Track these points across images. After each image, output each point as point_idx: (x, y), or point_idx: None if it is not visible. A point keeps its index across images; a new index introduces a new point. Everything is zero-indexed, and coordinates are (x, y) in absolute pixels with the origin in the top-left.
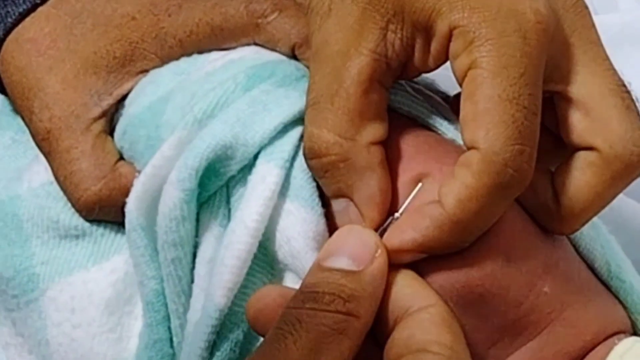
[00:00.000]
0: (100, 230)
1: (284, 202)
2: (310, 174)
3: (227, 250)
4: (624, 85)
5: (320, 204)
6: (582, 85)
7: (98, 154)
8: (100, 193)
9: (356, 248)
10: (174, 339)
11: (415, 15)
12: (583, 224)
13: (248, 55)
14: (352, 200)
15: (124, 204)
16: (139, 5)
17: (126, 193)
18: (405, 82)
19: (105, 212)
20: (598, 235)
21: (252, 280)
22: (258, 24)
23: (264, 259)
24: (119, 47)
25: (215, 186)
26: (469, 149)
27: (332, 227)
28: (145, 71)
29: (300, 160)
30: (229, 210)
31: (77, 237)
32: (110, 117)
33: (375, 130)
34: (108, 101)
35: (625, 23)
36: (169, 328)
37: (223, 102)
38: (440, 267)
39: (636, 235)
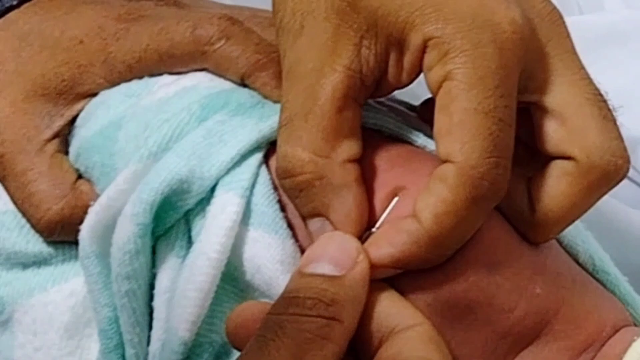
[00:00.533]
0: (60, 256)
1: (247, 230)
2: (271, 198)
3: (188, 282)
4: (601, 95)
5: (284, 226)
6: (558, 95)
7: (56, 173)
8: (62, 212)
9: (337, 254)
10: None
11: (389, 29)
12: (558, 233)
13: (202, 83)
14: (328, 219)
15: None
16: (87, 29)
17: (88, 211)
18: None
19: (67, 231)
20: (578, 231)
21: (220, 310)
22: (205, 51)
23: (233, 290)
24: (67, 70)
25: (173, 219)
26: (444, 161)
27: (303, 248)
28: (94, 94)
29: (260, 186)
30: (188, 242)
31: (39, 263)
32: (64, 138)
33: (350, 148)
34: (59, 122)
35: (611, 23)
36: (123, 356)
37: (178, 134)
38: (423, 283)
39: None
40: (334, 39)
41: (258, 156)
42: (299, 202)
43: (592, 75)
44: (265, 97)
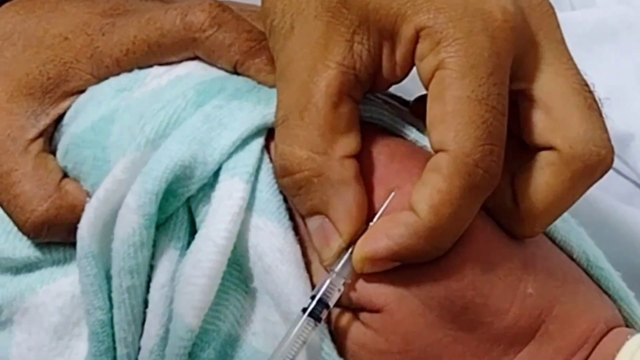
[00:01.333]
0: (49, 259)
1: (251, 217)
2: (275, 186)
3: (194, 268)
4: (587, 85)
5: (287, 216)
6: (545, 84)
7: (40, 174)
8: (48, 213)
9: None
10: None
11: (381, 23)
12: (544, 227)
13: (195, 71)
14: (327, 216)
15: (72, 223)
16: (71, 26)
17: (74, 211)
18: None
19: (53, 232)
20: (570, 227)
21: (225, 297)
22: (196, 38)
23: (239, 276)
24: (53, 67)
25: (173, 207)
26: (436, 151)
27: (302, 240)
28: (81, 91)
29: (265, 173)
30: (187, 233)
31: (29, 267)
32: (49, 137)
33: (347, 144)
34: (45, 121)
35: (601, 18)
36: (114, 358)
37: (175, 120)
38: (419, 281)
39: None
40: (326, 36)
41: (260, 141)
42: (298, 200)
43: (582, 71)
44: (260, 83)
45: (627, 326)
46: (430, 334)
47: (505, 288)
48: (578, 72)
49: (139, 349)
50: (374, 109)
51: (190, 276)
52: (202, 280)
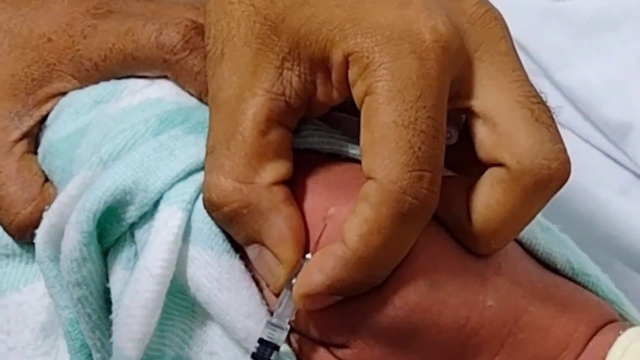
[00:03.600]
0: (31, 252)
1: (187, 248)
2: None
3: (133, 300)
4: (535, 96)
5: (220, 241)
6: (488, 99)
7: (25, 176)
8: (32, 216)
9: None
10: None
11: (311, 49)
12: (501, 244)
13: (167, 97)
14: (263, 244)
15: None
16: (55, 26)
17: None
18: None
19: None
20: (551, 237)
21: (170, 323)
22: (166, 59)
23: (184, 304)
24: (37, 69)
25: (118, 231)
26: (368, 179)
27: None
28: (63, 93)
29: (200, 202)
30: (135, 255)
31: (7, 256)
32: (34, 138)
33: (276, 170)
34: (28, 122)
35: (603, 8)
36: (90, 355)
37: (131, 145)
38: (365, 309)
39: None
40: (254, 62)
41: (203, 173)
42: (232, 232)
43: (582, 61)
44: None
45: None
46: None
47: (458, 304)
48: (525, 84)
49: None
50: (321, 135)
51: (128, 308)
52: (140, 312)
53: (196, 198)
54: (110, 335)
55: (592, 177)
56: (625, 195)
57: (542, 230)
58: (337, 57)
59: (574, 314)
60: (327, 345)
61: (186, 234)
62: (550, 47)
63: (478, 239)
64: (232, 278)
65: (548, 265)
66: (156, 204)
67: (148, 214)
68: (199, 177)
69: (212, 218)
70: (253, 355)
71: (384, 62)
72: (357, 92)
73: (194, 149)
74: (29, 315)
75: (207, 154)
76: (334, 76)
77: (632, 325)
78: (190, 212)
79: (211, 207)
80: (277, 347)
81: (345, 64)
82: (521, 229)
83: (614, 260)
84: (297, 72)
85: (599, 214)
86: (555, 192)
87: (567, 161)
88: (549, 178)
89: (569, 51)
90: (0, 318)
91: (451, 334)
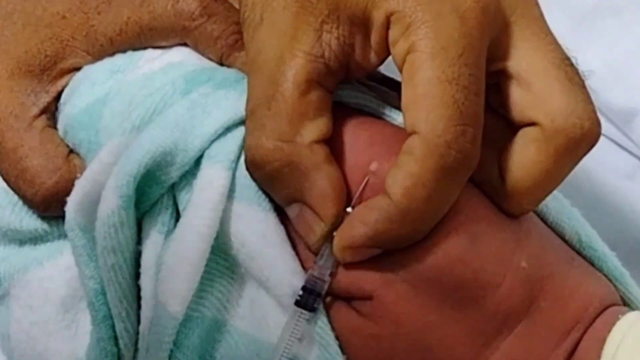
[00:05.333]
0: (56, 232)
1: (232, 204)
2: None
3: (177, 257)
4: (568, 59)
5: (267, 199)
6: (523, 60)
7: (48, 147)
8: (58, 186)
9: None
10: (120, 340)
11: (351, 11)
12: (533, 204)
13: (187, 60)
14: (304, 203)
15: None
16: (69, 4)
17: None
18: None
19: (62, 205)
20: (562, 208)
21: (210, 284)
22: (185, 26)
23: (225, 264)
24: (50, 45)
25: (157, 194)
26: (410, 134)
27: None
28: (77, 68)
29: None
30: (171, 217)
31: (34, 240)
32: (52, 114)
33: (316, 129)
34: (45, 99)
35: None
36: (113, 326)
37: (161, 107)
38: (405, 264)
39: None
40: (294, 26)
41: (243, 129)
42: (273, 191)
43: (586, 48)
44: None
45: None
46: (421, 316)
47: (497, 261)
48: (558, 47)
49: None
50: (359, 95)
51: (173, 264)
52: (186, 269)
53: (239, 156)
54: (135, 305)
55: (597, 163)
56: (631, 181)
57: (553, 200)
58: (378, 17)
59: (590, 289)
60: (351, 299)
61: (231, 191)
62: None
63: (511, 198)
64: (278, 234)
65: (556, 235)
66: (197, 163)
67: (189, 174)
68: (238, 133)
69: (254, 179)
70: (296, 302)
71: (427, 21)
72: (398, 51)
73: (226, 103)
74: (50, 289)
75: (247, 117)
76: (373, 37)
77: (630, 309)
78: (234, 170)
79: (253, 167)
80: (319, 295)
81: (387, 23)
82: (552, 190)
83: (620, 245)
84: (335, 35)
85: (605, 199)
86: (585, 153)
87: (598, 122)
88: (580, 137)
89: (572, 38)
90: (24, 293)
91: (488, 291)
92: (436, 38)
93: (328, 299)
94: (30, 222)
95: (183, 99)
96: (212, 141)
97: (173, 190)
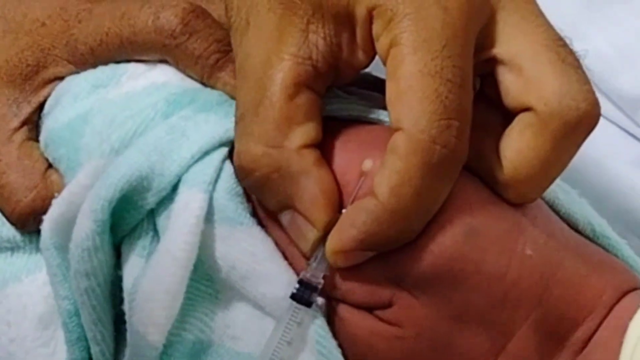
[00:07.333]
0: (34, 243)
1: (213, 228)
2: (232, 191)
3: (155, 284)
4: (561, 40)
5: (248, 215)
6: (512, 46)
7: (25, 164)
8: (34, 204)
9: None
10: None
11: (335, 8)
12: (536, 191)
13: (171, 81)
14: (295, 209)
15: None
16: (49, 10)
17: None
18: (336, 89)
19: (40, 222)
20: (572, 199)
21: (193, 308)
22: (165, 44)
23: (208, 291)
24: (31, 54)
25: (135, 219)
26: (395, 131)
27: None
28: (60, 78)
29: (222, 182)
30: (151, 241)
31: (11, 249)
32: (34, 125)
33: (305, 133)
34: (26, 109)
35: None
36: (87, 348)
37: (142, 130)
38: (402, 257)
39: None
40: (280, 28)
41: (222, 151)
42: (264, 198)
43: (594, 33)
44: (230, 96)
45: None
46: (438, 315)
47: (499, 251)
48: (549, 28)
49: (116, 346)
50: (346, 104)
51: (150, 292)
52: (163, 296)
53: (216, 179)
54: (111, 328)
55: (605, 151)
56: (639, 168)
57: (562, 192)
58: (360, 12)
59: (603, 276)
60: (372, 310)
61: (210, 215)
62: (562, 19)
63: (511, 186)
64: (267, 249)
65: (570, 226)
66: (174, 188)
67: (166, 199)
68: (216, 155)
69: (244, 186)
70: (292, 295)
71: (408, 13)
72: (381, 45)
73: (206, 127)
74: (28, 305)
75: (236, 123)
76: (358, 33)
77: None
78: (211, 193)
79: (242, 174)
80: (315, 289)
81: (370, 18)
82: (554, 177)
83: (628, 233)
84: (322, 35)
85: (613, 187)
86: (586, 136)
87: (596, 102)
88: (577, 119)
89: (581, 22)
90: (2, 309)
91: (493, 282)
92: (418, 31)
93: (351, 311)
94: (10, 229)
95: (163, 122)
96: (190, 165)
97: (152, 216)
